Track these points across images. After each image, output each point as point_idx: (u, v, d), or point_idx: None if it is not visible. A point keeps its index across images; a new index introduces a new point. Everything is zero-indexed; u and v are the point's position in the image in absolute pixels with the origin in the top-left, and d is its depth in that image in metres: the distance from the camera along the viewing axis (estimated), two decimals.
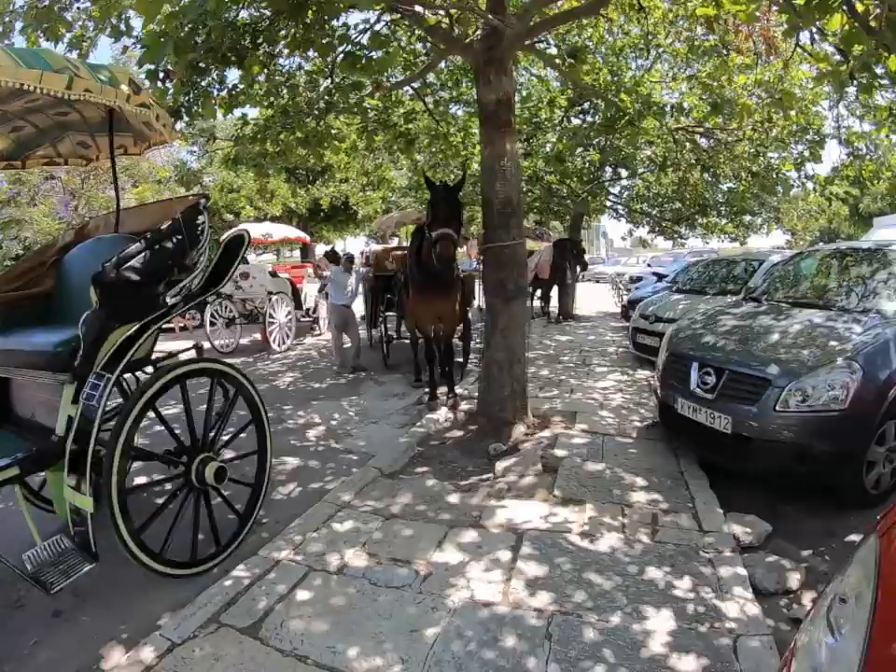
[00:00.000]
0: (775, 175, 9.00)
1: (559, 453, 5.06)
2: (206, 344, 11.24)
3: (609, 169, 13.17)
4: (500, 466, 4.91)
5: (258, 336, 11.20)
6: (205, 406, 3.77)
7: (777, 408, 4.02)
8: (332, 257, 10.88)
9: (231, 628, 2.88)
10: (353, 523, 3.99)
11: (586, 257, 14.87)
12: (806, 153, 7.91)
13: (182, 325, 15.05)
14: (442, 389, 7.03)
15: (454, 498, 4.42)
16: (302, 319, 13.09)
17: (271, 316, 11.31)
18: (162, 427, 3.60)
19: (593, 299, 21.23)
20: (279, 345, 11.45)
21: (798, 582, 3.36)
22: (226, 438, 4.03)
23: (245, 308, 12.10)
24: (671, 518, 3.99)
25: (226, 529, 3.77)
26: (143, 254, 3.34)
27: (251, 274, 11.82)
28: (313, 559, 3.52)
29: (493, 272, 5.48)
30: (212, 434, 3.76)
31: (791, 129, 7.36)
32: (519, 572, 3.37)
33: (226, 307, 11.86)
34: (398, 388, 8.22)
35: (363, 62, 5.15)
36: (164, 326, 3.78)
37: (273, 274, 12.31)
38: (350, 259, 9.71)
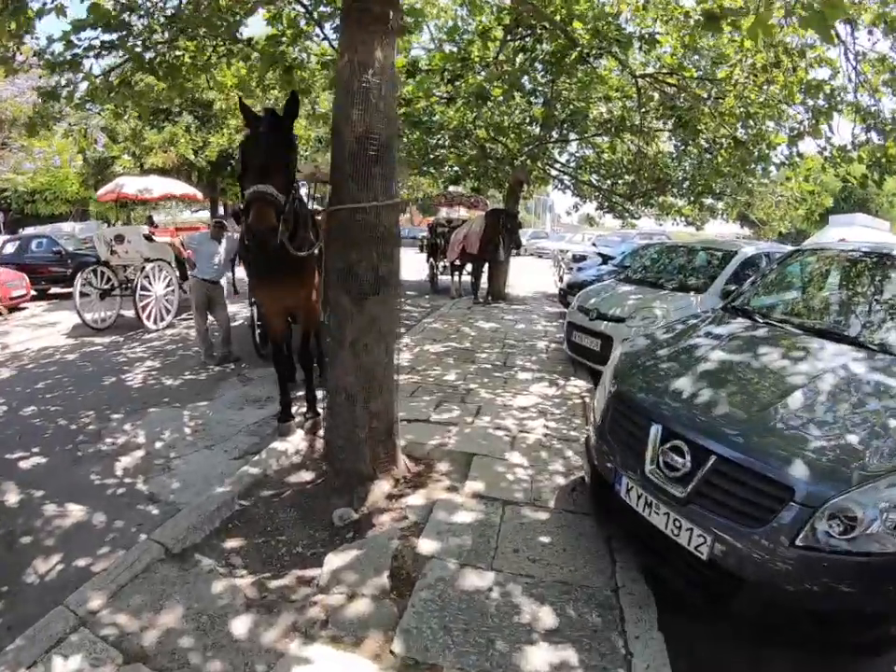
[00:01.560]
0: (765, 147, 7.15)
1: (426, 546, 3.17)
2: (74, 318, 9.53)
3: (554, 132, 11.05)
4: (330, 564, 3.03)
5: None
6: None
7: (799, 541, 2.19)
8: (239, 218, 8.79)
9: None
10: (78, 662, 2.34)
11: (526, 234, 12.97)
12: (806, 124, 6.08)
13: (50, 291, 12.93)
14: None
15: (240, 625, 2.61)
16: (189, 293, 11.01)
17: (144, 289, 9.31)
18: None
19: (532, 276, 19.52)
20: (155, 323, 9.47)
21: None
22: None
23: (126, 276, 10.17)
24: None
25: None
26: None
27: (126, 237, 9.82)
28: None
29: (338, 251, 3.49)
30: None
31: (798, 83, 5.54)
32: None
33: (102, 275, 9.92)
34: (263, 390, 6.28)
35: None
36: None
37: (149, 238, 10.09)
38: (220, 224, 7.68)
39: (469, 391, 6.02)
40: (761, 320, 3.65)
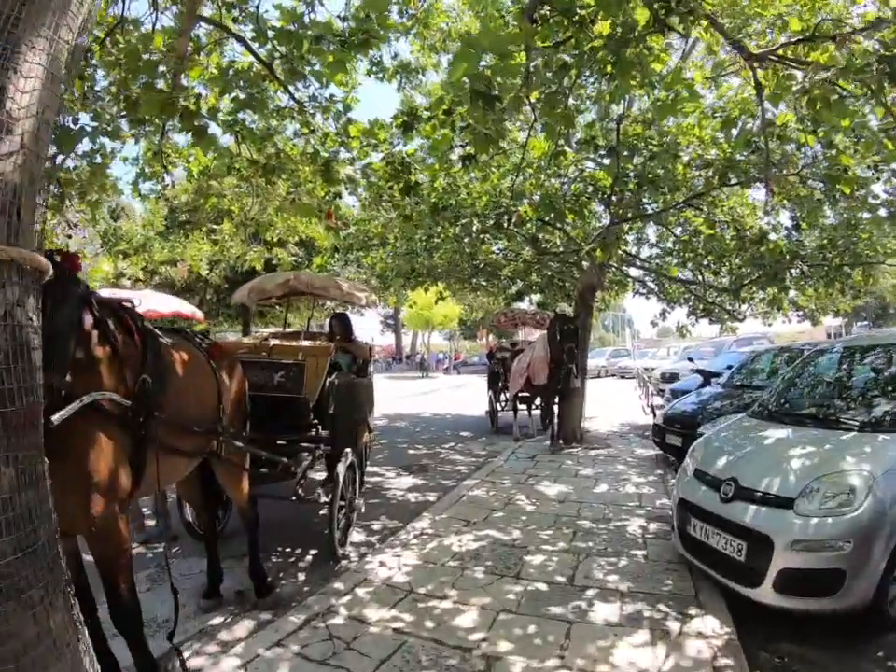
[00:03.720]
0: None
1: None
2: None
3: (626, 204, 8.12)
4: None
5: None
6: None
7: None
8: None
9: None
10: None
11: (605, 354, 9.98)
12: None
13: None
14: None
15: None
16: None
17: None
18: None
19: (615, 401, 16.34)
20: None
21: None
22: None
23: None
24: None
25: None
26: None
27: None
28: None
29: None
30: None
31: None
32: None
33: None
34: (168, 605, 3.50)
35: None
36: None
37: None
38: None
39: (493, 665, 3.00)
40: None
